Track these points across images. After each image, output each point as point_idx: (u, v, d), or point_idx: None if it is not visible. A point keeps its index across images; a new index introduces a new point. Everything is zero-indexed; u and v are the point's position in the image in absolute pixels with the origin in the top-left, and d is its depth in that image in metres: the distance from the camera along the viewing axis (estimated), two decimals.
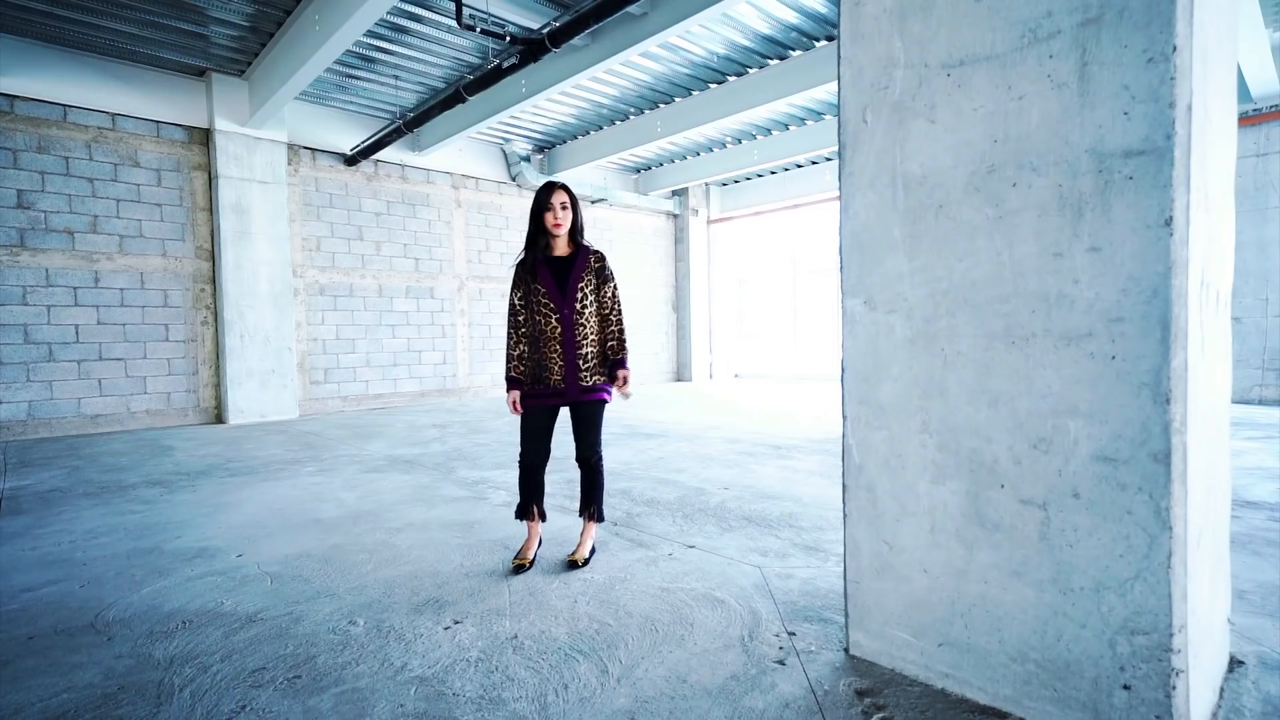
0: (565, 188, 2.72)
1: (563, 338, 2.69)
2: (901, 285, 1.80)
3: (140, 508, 3.92)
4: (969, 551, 1.70)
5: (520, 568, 2.71)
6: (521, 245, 11.24)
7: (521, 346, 2.76)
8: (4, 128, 6.78)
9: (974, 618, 1.71)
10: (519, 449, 2.93)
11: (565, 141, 10.92)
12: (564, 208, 2.69)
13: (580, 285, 2.72)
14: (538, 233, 2.73)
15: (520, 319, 2.76)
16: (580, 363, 2.71)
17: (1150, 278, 1.40)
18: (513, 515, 3.20)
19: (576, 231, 2.77)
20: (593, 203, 12.09)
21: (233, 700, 1.79)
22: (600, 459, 2.84)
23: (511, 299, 2.79)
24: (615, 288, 2.81)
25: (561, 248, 2.76)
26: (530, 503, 2.83)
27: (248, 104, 7.93)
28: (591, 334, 2.75)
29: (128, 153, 7.51)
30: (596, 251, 2.80)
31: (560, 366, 2.69)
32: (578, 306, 2.71)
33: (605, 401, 2.79)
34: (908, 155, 1.77)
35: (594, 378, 2.74)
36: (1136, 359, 1.43)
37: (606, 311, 2.80)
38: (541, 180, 10.85)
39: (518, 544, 3.08)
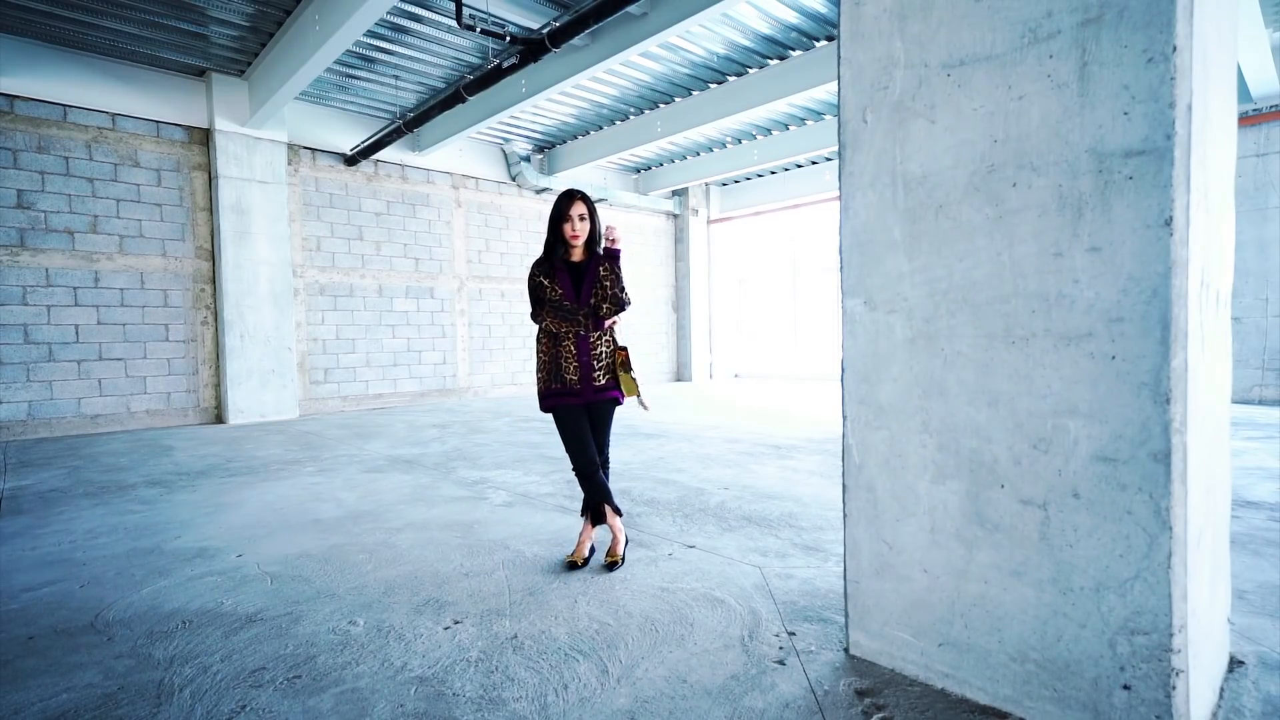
0: (584, 198, 2.76)
1: (577, 341, 2.76)
2: (901, 285, 1.80)
3: (140, 508, 3.92)
4: (969, 551, 1.70)
5: (613, 565, 2.73)
6: (520, 246, 11.29)
7: (547, 320, 2.79)
8: (4, 128, 6.78)
9: (974, 618, 1.71)
10: (569, 461, 2.95)
11: (565, 141, 10.91)
12: (582, 219, 2.74)
13: (594, 290, 2.78)
14: (556, 241, 2.77)
15: (542, 298, 2.80)
16: (594, 363, 2.78)
17: (1150, 278, 1.40)
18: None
19: (594, 241, 2.82)
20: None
21: (233, 700, 1.79)
22: (608, 459, 2.93)
23: (534, 277, 2.80)
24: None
25: (578, 255, 2.82)
26: (603, 502, 2.81)
27: (248, 104, 7.93)
28: (606, 334, 2.83)
29: (128, 153, 7.51)
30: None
31: (576, 367, 2.75)
32: (591, 308, 2.79)
33: (619, 401, 2.85)
34: (908, 155, 1.77)
35: (606, 377, 2.81)
36: (1136, 359, 1.42)
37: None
38: (542, 181, 10.85)
39: (517, 544, 3.08)
